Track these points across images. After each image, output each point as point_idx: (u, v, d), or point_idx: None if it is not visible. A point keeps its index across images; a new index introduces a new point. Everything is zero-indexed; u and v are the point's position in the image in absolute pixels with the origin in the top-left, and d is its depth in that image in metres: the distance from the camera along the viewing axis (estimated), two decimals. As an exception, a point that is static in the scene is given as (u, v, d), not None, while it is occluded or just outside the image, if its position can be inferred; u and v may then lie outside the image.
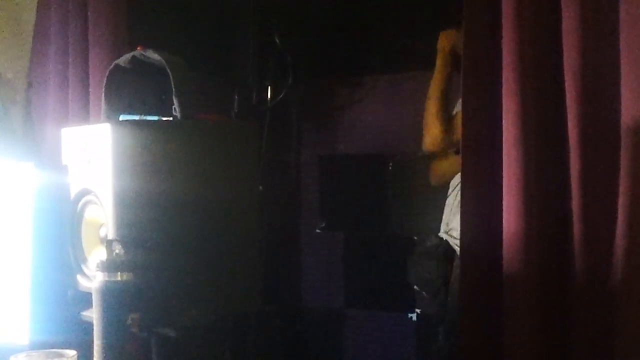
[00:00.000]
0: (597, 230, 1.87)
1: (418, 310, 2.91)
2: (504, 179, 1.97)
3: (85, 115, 2.56)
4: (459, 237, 2.57)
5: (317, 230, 3.31)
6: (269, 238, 2.66)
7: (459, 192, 2.62)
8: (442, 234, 2.73)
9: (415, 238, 2.89)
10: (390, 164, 3.11)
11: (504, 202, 1.97)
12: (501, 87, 1.96)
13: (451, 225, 2.70)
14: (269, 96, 3.07)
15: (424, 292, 2.79)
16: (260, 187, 2.39)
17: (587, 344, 1.88)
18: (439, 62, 2.72)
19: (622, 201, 1.83)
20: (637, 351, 1.77)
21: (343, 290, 3.31)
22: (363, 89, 3.16)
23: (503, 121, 1.96)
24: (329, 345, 3.27)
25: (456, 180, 2.69)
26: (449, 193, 2.75)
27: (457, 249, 2.61)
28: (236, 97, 2.98)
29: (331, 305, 3.31)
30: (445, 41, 2.72)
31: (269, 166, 2.89)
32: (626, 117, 1.81)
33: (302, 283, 3.39)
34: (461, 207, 2.09)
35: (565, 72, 1.89)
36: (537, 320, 1.94)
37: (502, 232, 1.97)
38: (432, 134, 2.65)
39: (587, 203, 1.88)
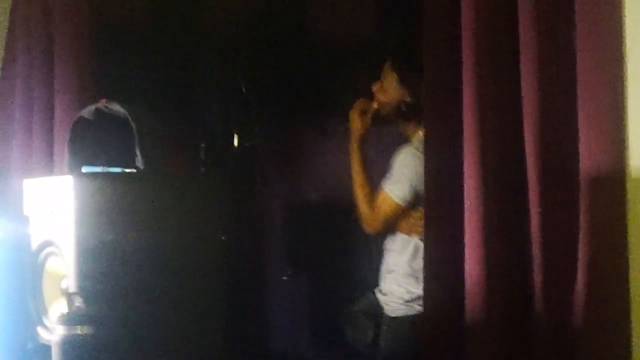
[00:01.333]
0: (557, 278, 1.89)
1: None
2: (465, 229, 1.99)
3: (48, 165, 2.56)
4: (386, 297, 2.65)
5: (284, 278, 3.31)
6: (234, 286, 2.65)
7: (389, 256, 2.70)
8: (377, 292, 2.76)
9: (356, 295, 2.90)
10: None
11: (466, 252, 1.99)
12: (462, 142, 2.00)
13: (381, 286, 2.75)
14: (235, 143, 3.08)
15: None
16: (223, 237, 2.41)
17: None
18: (353, 145, 2.78)
19: (581, 248, 1.85)
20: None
21: (307, 334, 3.31)
22: (329, 136, 3.19)
23: (464, 174, 1.99)
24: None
25: (387, 243, 2.74)
26: (383, 254, 2.78)
27: (386, 307, 2.67)
28: (202, 145, 2.99)
29: (296, 349, 3.30)
30: (356, 120, 2.78)
31: (233, 214, 2.90)
32: (584, 165, 1.84)
33: (267, 329, 3.38)
34: (424, 257, 2.11)
35: (525, 126, 1.93)
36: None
37: (464, 280, 1.99)
38: (367, 219, 2.72)
39: (547, 251, 1.90)
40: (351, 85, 3.08)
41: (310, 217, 3.37)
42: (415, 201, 2.64)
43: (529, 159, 1.92)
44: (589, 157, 1.84)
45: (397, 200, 2.64)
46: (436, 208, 2.09)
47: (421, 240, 2.59)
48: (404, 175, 2.64)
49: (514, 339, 1.97)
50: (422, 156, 2.56)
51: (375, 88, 2.79)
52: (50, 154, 2.56)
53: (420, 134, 2.69)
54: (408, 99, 2.70)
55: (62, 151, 2.25)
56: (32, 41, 2.75)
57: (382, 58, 2.80)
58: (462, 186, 2.00)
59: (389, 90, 2.75)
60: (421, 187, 2.55)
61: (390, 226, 2.71)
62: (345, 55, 3.17)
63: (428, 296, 2.11)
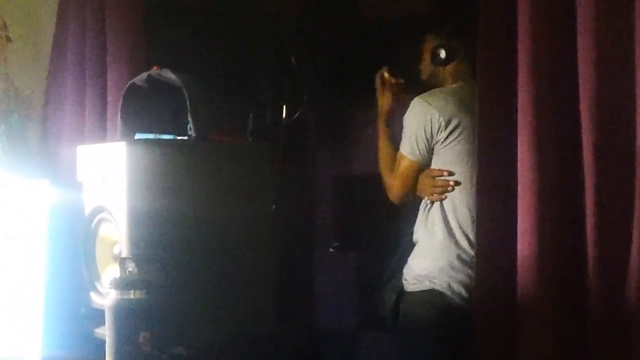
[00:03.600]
0: (611, 255, 1.86)
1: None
2: (518, 203, 1.96)
3: (101, 133, 2.57)
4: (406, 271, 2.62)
5: (331, 250, 3.31)
6: (282, 257, 2.65)
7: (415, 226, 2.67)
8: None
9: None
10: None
11: (519, 227, 1.97)
12: (516, 112, 1.96)
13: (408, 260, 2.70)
14: (283, 116, 3.07)
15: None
16: (274, 207, 2.40)
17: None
18: (379, 120, 2.76)
19: (636, 224, 1.82)
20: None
21: (356, 311, 3.29)
22: (377, 110, 3.17)
23: (518, 148, 1.96)
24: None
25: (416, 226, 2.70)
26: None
27: (404, 282, 2.59)
28: (251, 116, 2.99)
29: (344, 326, 3.29)
30: (380, 96, 2.76)
31: (283, 186, 2.89)
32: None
33: (315, 303, 3.38)
34: (476, 234, 2.10)
35: (580, 93, 1.89)
36: (552, 344, 1.93)
37: (516, 256, 1.97)
38: (388, 187, 2.69)
39: (601, 229, 1.87)
40: (400, 58, 3.05)
41: (358, 190, 3.35)
42: (429, 155, 2.56)
43: (584, 136, 1.88)
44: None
45: (407, 156, 2.57)
46: (488, 184, 2.06)
47: (435, 201, 2.54)
48: (410, 129, 2.57)
49: (566, 318, 1.94)
50: (427, 105, 2.54)
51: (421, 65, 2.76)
52: (103, 122, 2.58)
53: (453, 86, 2.64)
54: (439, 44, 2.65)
55: (115, 119, 2.27)
56: (83, 10, 2.76)
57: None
58: (515, 161, 1.97)
59: (424, 54, 2.71)
60: (430, 138, 2.52)
61: (411, 189, 2.62)
62: (396, 28, 3.13)
63: (480, 275, 2.09)
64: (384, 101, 2.77)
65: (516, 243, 1.96)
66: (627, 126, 1.83)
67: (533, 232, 1.92)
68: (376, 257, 3.25)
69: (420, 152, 2.55)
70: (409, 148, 2.57)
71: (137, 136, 2.07)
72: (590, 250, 1.87)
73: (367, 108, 3.25)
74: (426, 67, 2.73)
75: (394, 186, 2.66)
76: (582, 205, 1.90)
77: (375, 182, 3.19)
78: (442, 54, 2.65)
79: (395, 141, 2.72)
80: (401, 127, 2.66)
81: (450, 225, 2.46)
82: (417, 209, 2.71)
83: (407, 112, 2.60)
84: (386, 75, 2.76)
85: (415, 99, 2.60)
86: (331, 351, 3.26)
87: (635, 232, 1.80)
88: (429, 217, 2.56)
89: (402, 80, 2.76)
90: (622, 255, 1.83)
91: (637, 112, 1.81)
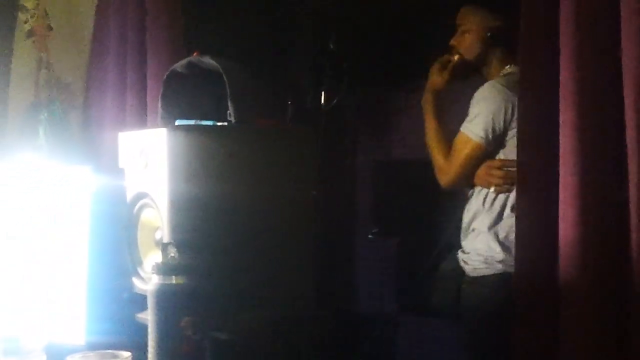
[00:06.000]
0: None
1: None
2: (560, 188, 1.93)
3: (142, 119, 2.59)
4: (466, 257, 2.58)
5: (369, 236, 3.30)
6: (322, 242, 2.66)
7: (469, 213, 2.62)
8: (459, 251, 2.67)
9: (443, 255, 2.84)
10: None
11: (560, 211, 1.93)
12: (558, 93, 1.92)
13: (463, 244, 2.65)
14: (322, 101, 3.06)
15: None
16: (314, 192, 2.40)
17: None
18: (426, 96, 2.71)
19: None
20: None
21: (396, 295, 3.29)
22: (418, 95, 3.15)
23: (560, 128, 1.92)
24: (381, 352, 3.26)
25: (468, 199, 2.64)
26: (463, 214, 2.69)
27: (466, 267, 2.58)
28: (291, 102, 2.99)
29: (384, 310, 3.29)
30: (434, 74, 2.70)
31: (324, 171, 2.89)
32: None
33: (355, 288, 3.38)
34: (516, 217, 2.06)
35: (624, 76, 1.85)
36: (595, 330, 1.90)
37: (557, 241, 1.94)
38: (441, 169, 2.62)
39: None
40: (441, 43, 3.02)
41: (398, 176, 3.34)
42: (496, 143, 2.48)
43: (628, 114, 1.83)
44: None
45: (475, 139, 2.48)
46: (530, 162, 2.02)
47: (500, 192, 2.51)
48: (484, 109, 2.47)
49: (609, 302, 1.91)
50: (506, 90, 2.45)
51: (454, 41, 2.70)
52: (143, 108, 2.60)
53: (507, 69, 2.59)
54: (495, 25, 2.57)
55: (155, 105, 2.28)
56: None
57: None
58: (557, 140, 1.92)
59: (468, 31, 2.65)
60: (504, 125, 2.46)
61: (468, 175, 2.56)
62: (437, 12, 3.10)
63: (521, 257, 2.06)
64: (440, 79, 2.69)
65: (557, 229, 1.94)
66: None
67: (575, 217, 1.89)
68: (415, 243, 3.25)
69: (492, 137, 2.48)
70: (481, 130, 2.48)
71: (178, 122, 2.07)
72: (635, 236, 1.84)
73: (408, 92, 3.24)
74: (473, 46, 2.65)
75: (451, 169, 2.58)
76: (625, 189, 1.86)
77: (415, 167, 3.18)
78: (501, 34, 2.57)
79: (442, 121, 2.67)
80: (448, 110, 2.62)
81: None
82: (456, 196, 2.70)
83: (479, 94, 2.52)
84: (456, 57, 2.69)
85: (490, 82, 2.52)
86: (371, 335, 3.27)
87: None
88: (493, 206, 2.52)
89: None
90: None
91: None
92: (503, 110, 2.44)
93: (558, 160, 1.92)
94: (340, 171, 3.35)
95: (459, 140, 2.55)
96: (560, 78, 1.91)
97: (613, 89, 1.87)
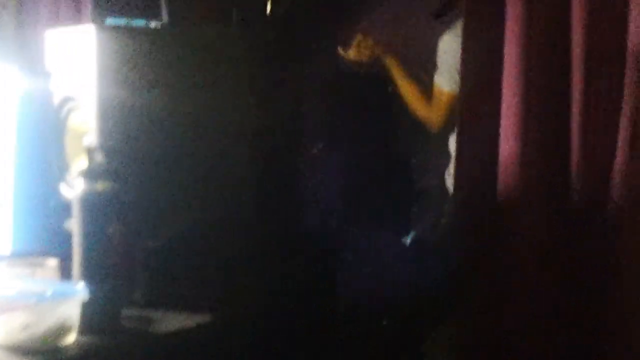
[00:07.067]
0: (595, 160, 1.83)
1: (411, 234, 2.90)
2: (502, 105, 1.92)
3: (75, 18, 2.47)
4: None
5: (314, 151, 3.25)
6: (263, 155, 2.60)
7: None
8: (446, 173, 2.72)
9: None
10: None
11: (502, 128, 1.92)
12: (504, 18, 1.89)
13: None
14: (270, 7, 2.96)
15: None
16: (256, 102, 2.32)
17: (587, 262, 1.86)
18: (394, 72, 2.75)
19: (623, 126, 1.77)
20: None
21: (339, 210, 3.27)
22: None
23: (504, 46, 1.91)
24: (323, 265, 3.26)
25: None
26: None
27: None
28: (236, 5, 2.87)
29: (329, 225, 3.27)
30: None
31: (267, 81, 2.81)
32: (632, 48, 1.74)
33: (298, 202, 3.34)
34: (457, 135, 2.06)
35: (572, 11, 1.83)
36: (536, 245, 1.91)
37: (498, 158, 1.94)
38: (427, 118, 2.67)
39: (587, 133, 1.83)
40: None
41: (351, 90, 3.28)
42: None
43: (574, 31, 1.83)
44: (636, 34, 1.73)
45: (447, 89, 2.63)
46: (473, 86, 2.03)
47: None
48: (449, 59, 2.60)
49: (551, 220, 1.92)
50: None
51: None
52: (75, 6, 2.48)
53: None
54: None
55: (88, 3, 2.18)
56: None
57: None
58: (502, 64, 1.93)
59: None
60: None
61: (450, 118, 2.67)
62: None
63: (460, 173, 2.06)
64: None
65: (498, 146, 1.92)
66: (617, 27, 1.79)
67: (516, 133, 1.87)
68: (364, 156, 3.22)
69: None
70: (450, 80, 2.62)
71: (109, 20, 1.97)
72: (575, 153, 1.83)
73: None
74: None
75: (436, 119, 2.72)
76: (568, 106, 1.84)
77: (372, 79, 3.12)
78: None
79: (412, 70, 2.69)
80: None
81: None
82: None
83: (441, 47, 2.65)
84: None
85: (447, 33, 2.56)
86: (316, 248, 3.25)
87: (621, 133, 1.76)
88: None
89: None
90: (607, 157, 1.79)
91: (629, 13, 1.74)
92: None
93: (502, 77, 1.91)
94: (287, 82, 3.27)
95: (436, 92, 2.65)
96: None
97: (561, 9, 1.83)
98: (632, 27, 1.76)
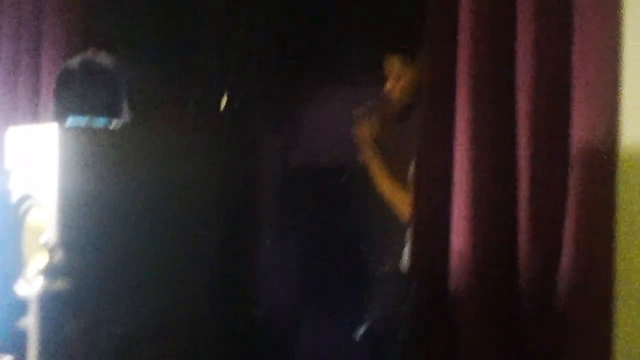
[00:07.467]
0: (544, 250, 1.88)
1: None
2: (453, 201, 1.98)
3: (35, 116, 2.50)
4: None
5: (267, 241, 3.30)
6: (221, 245, 2.62)
7: None
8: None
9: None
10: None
11: (453, 224, 1.98)
12: (454, 118, 1.98)
13: None
14: (223, 103, 3.02)
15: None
16: (213, 196, 2.36)
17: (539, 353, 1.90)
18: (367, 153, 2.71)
19: (569, 223, 1.83)
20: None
21: (297, 294, 3.30)
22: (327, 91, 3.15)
23: (455, 147, 1.97)
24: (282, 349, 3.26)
25: None
26: None
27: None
28: (192, 102, 2.93)
29: (286, 311, 3.29)
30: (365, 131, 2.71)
31: (224, 175, 2.86)
32: (577, 139, 1.81)
33: (253, 290, 3.36)
34: (412, 229, 2.11)
35: (518, 87, 1.90)
36: (485, 339, 1.95)
37: (449, 253, 1.99)
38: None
39: (534, 225, 1.88)
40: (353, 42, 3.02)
41: (301, 182, 3.33)
42: None
43: (521, 127, 1.88)
44: (581, 133, 1.80)
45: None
46: (425, 182, 2.08)
47: None
48: None
49: (499, 315, 1.96)
50: None
51: (388, 86, 2.70)
52: (36, 105, 2.51)
53: None
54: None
55: (49, 102, 2.20)
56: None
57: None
58: (452, 159, 1.99)
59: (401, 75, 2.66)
60: None
61: None
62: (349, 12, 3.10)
63: (415, 266, 2.10)
64: (370, 128, 2.69)
65: (450, 240, 1.97)
66: (563, 128, 1.84)
67: (466, 228, 1.93)
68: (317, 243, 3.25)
69: None
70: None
71: (71, 119, 2.01)
72: (523, 249, 1.89)
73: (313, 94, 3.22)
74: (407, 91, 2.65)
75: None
76: (515, 204, 1.91)
77: (323, 170, 3.17)
78: None
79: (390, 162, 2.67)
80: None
81: None
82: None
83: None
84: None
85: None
86: (274, 335, 3.25)
87: (567, 231, 1.82)
88: None
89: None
90: (554, 254, 1.85)
91: (572, 113, 1.82)
92: None
93: (453, 173, 1.97)
94: (244, 176, 3.31)
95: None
96: (456, 94, 1.97)
97: (508, 106, 1.91)
98: (575, 125, 1.81)
